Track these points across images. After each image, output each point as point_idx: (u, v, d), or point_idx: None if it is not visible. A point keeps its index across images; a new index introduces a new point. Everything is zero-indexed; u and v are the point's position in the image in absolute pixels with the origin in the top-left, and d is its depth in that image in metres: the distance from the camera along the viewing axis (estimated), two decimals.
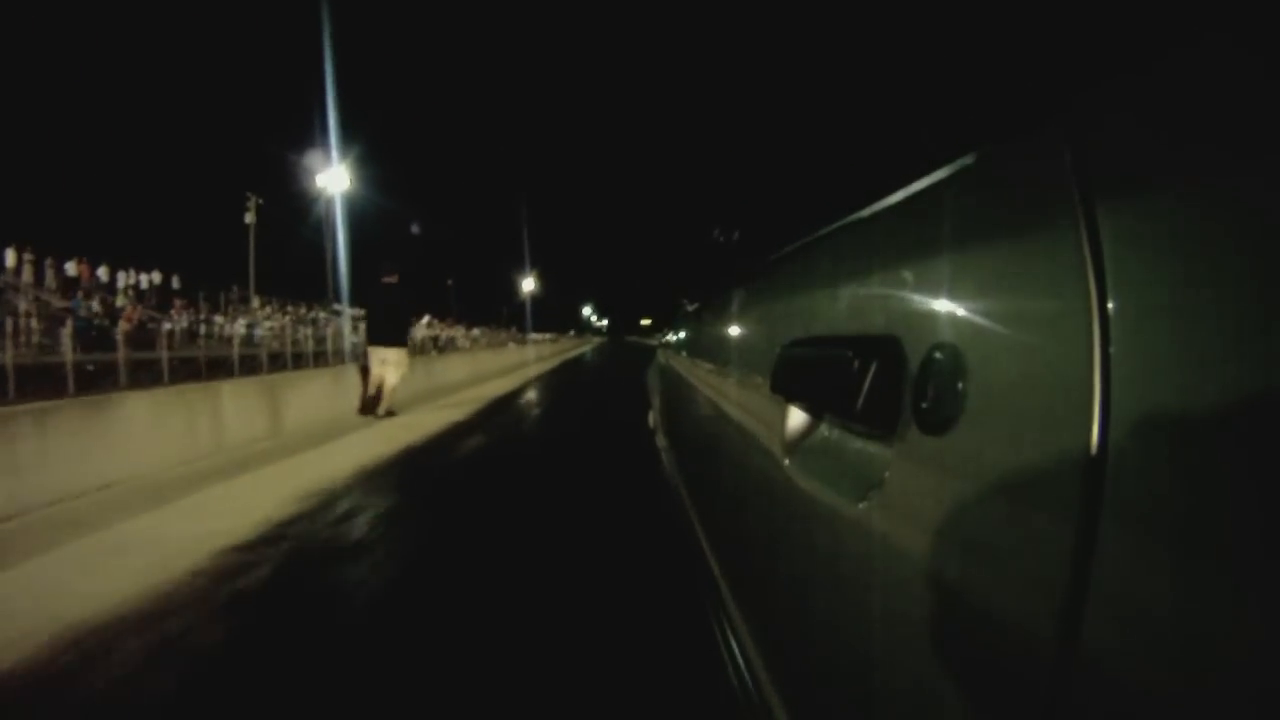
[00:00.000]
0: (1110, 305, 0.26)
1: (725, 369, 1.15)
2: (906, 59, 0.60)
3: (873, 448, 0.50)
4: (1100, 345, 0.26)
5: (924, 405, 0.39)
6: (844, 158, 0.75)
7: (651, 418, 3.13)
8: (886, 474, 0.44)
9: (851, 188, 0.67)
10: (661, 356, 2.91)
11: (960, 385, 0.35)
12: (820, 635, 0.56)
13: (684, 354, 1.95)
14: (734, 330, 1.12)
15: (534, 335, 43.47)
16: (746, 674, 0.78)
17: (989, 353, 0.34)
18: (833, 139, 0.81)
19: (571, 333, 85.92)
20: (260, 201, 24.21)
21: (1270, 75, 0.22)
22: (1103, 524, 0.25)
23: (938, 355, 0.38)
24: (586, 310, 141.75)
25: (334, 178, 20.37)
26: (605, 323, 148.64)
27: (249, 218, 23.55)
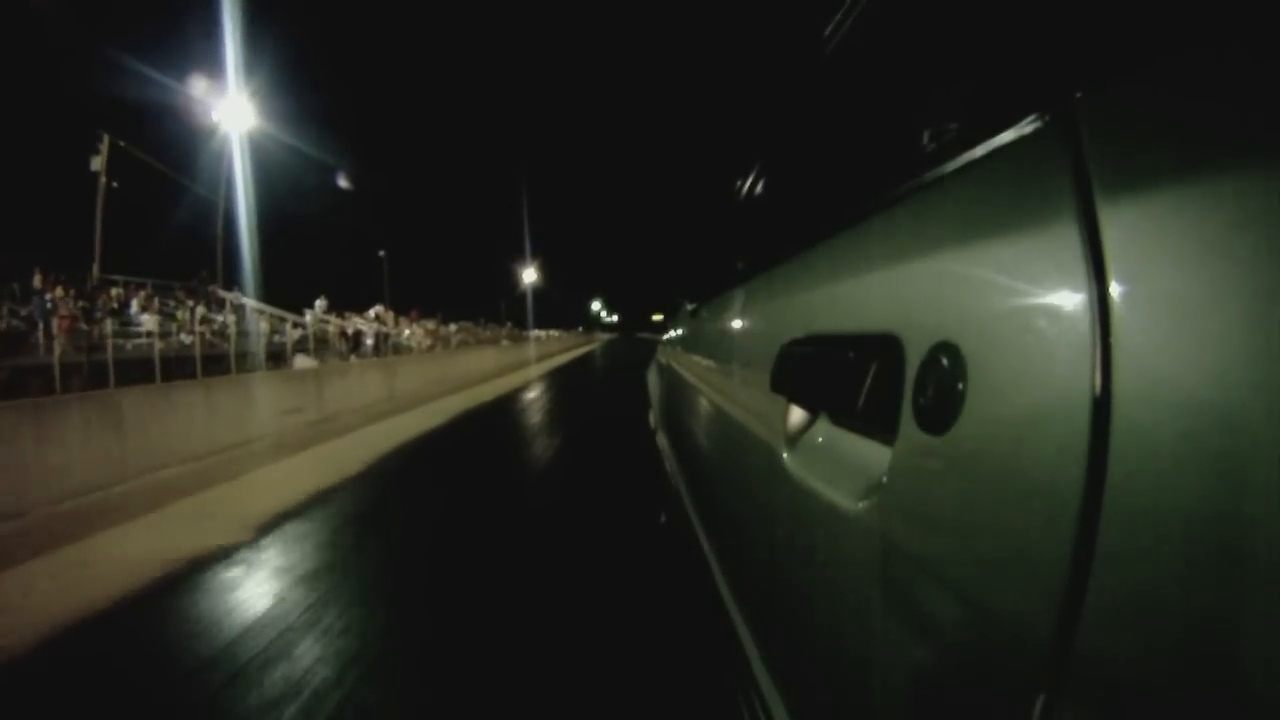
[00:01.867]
0: (1110, 304, 0.26)
1: (725, 368, 1.16)
2: (907, 57, 0.59)
3: (873, 446, 0.50)
4: (1100, 344, 0.26)
5: (924, 404, 0.39)
6: (844, 157, 0.75)
7: (652, 417, 3.14)
8: (887, 472, 0.44)
9: (851, 186, 0.67)
10: (662, 355, 2.93)
11: (960, 384, 0.35)
12: (819, 632, 0.56)
13: (684, 352, 1.95)
14: (734, 329, 1.12)
15: (537, 332, 38.39)
16: (746, 670, 0.77)
17: (989, 351, 0.34)
18: (833, 138, 0.81)
19: (579, 329, 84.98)
20: (120, 143, 14.15)
21: (1267, 73, 0.23)
22: (1103, 522, 0.25)
23: (938, 354, 0.38)
24: (595, 305, 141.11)
25: (232, 112, 13.54)
26: (615, 318, 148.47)
27: (96, 164, 13.96)
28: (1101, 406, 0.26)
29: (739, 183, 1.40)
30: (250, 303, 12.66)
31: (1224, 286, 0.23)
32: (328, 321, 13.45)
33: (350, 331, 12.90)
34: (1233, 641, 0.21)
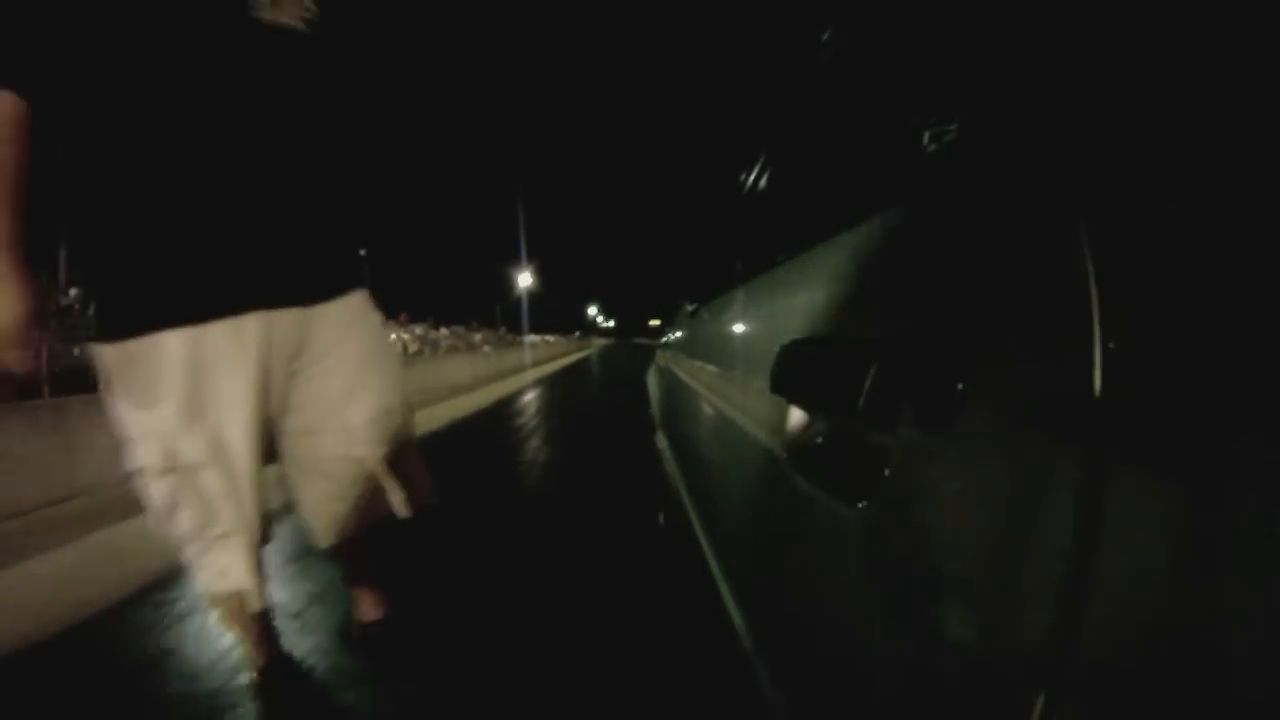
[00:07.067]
0: (1109, 303, 0.26)
1: (725, 369, 1.15)
2: (907, 57, 0.60)
3: (873, 448, 0.49)
4: (1100, 345, 0.26)
5: (924, 405, 0.39)
6: (844, 156, 0.75)
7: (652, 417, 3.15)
8: (886, 474, 0.44)
9: (851, 186, 0.67)
10: (661, 358, 2.94)
11: (960, 384, 0.35)
12: (820, 633, 0.56)
13: (683, 354, 1.95)
14: (733, 329, 1.12)
15: (532, 337, 36.67)
16: (746, 670, 0.77)
17: (989, 352, 0.34)
18: (834, 137, 0.81)
19: (576, 334, 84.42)
20: None
21: (1265, 73, 0.23)
22: (1103, 523, 0.25)
23: (938, 354, 0.38)
24: (592, 310, 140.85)
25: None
26: (611, 324, 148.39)
27: None
28: (1100, 407, 0.26)
29: (738, 183, 1.40)
30: None
31: (1221, 288, 0.23)
32: None
33: None
34: (1234, 642, 0.21)
